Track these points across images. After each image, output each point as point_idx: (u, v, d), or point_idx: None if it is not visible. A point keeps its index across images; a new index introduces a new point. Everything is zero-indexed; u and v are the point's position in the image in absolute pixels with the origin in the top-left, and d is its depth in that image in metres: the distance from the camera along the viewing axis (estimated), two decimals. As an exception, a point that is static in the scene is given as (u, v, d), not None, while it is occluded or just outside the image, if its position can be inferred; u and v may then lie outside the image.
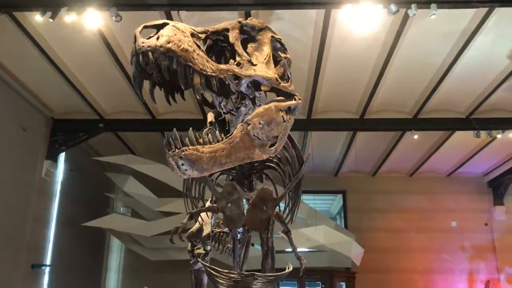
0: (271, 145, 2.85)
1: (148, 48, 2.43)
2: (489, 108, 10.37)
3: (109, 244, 14.34)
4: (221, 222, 6.44)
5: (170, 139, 2.54)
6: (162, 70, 2.46)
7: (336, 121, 10.97)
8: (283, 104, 2.89)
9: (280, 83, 2.91)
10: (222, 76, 2.67)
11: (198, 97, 2.66)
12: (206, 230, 4.85)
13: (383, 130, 11.53)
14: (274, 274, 4.29)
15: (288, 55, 3.10)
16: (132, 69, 2.53)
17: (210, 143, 2.60)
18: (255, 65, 2.85)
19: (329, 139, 12.39)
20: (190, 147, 2.53)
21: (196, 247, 4.89)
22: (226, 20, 3.07)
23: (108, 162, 12.25)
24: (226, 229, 6.11)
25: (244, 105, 3.09)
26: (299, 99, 3.02)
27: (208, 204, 5.39)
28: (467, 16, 7.43)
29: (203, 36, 2.76)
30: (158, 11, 7.32)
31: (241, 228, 4.88)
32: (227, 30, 2.92)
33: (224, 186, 3.97)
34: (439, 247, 14.14)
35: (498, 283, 13.53)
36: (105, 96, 10.48)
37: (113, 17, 6.87)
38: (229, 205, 3.96)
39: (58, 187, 11.46)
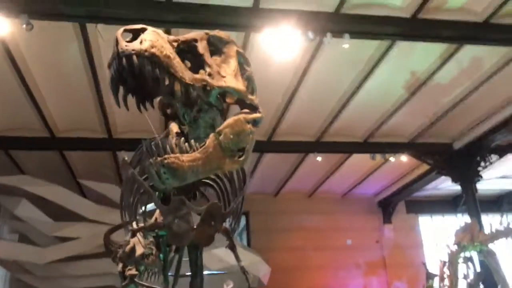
0: (239, 156, 2.86)
1: (133, 52, 2.35)
2: (384, 133, 11.28)
3: (-8, 274, 12.89)
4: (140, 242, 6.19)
5: (152, 146, 2.45)
6: (146, 75, 2.38)
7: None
8: (250, 116, 2.93)
9: (248, 96, 2.96)
10: (198, 85, 2.66)
11: (174, 106, 2.61)
12: (139, 249, 4.63)
13: (288, 152, 11.98)
14: (217, 293, 4.25)
15: (251, 69, 3.15)
16: (111, 73, 2.41)
17: (187, 152, 2.55)
18: (224, 76, 2.86)
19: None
20: (172, 155, 2.47)
21: (127, 268, 4.66)
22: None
23: (-4, 183, 11.10)
24: (145, 250, 5.89)
25: (201, 117, 3.07)
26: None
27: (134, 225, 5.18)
28: (372, 46, 8.09)
29: (175, 44, 2.72)
30: (73, 22, 6.97)
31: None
32: (195, 40, 2.90)
33: (171, 201, 3.86)
34: (336, 264, 14.84)
35: (389, 296, 14.56)
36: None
37: (24, 25, 6.38)
38: (176, 220, 3.85)
39: None
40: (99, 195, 11.96)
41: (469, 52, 8.35)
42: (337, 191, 15.51)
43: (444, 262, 7.34)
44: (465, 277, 7.29)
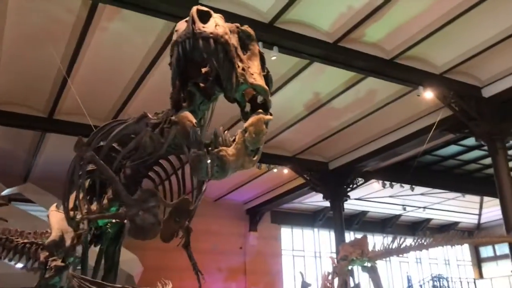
0: (253, 156, 2.82)
1: (211, 35, 2.20)
2: (274, 145, 11.74)
3: None
4: (24, 231, 5.61)
5: (213, 136, 2.30)
6: (218, 61, 2.24)
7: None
8: (266, 117, 2.90)
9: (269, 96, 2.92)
10: (241, 79, 2.57)
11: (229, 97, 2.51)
12: (69, 239, 4.20)
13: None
14: (161, 289, 4.12)
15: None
16: (178, 52, 2.23)
17: (228, 146, 2.44)
18: (253, 74, 2.80)
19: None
20: (222, 148, 2.34)
21: (52, 259, 4.18)
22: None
23: None
24: (38, 240, 5.39)
25: (201, 109, 3.01)
26: (271, 115, 3.09)
27: (53, 209, 4.72)
28: (290, 63, 8.42)
29: None
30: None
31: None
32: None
33: (140, 192, 3.57)
34: (202, 267, 14.83)
35: (246, 302, 15.08)
36: None
37: None
38: (141, 213, 3.59)
39: None
40: None
41: (368, 84, 9.21)
42: (211, 195, 15.64)
43: (329, 273, 7.90)
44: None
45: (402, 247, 7.10)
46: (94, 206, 4.19)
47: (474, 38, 8.15)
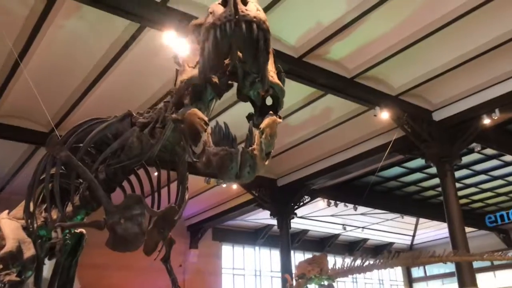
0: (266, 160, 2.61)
1: (254, 19, 1.97)
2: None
3: None
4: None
5: (248, 132, 2.03)
6: (258, 49, 2.01)
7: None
8: (278, 120, 2.70)
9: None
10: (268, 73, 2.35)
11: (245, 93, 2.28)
12: (29, 251, 3.71)
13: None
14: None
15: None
16: (216, 36, 1.97)
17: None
18: (269, 72, 2.59)
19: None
20: (254, 146, 2.09)
21: (5, 273, 3.66)
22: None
23: None
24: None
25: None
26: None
27: (4, 216, 4.22)
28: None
29: None
30: None
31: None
32: None
33: (125, 198, 3.19)
34: (137, 286, 14.18)
35: (185, 323, 14.44)
36: None
37: None
38: (123, 221, 3.21)
39: None
40: None
41: (326, 101, 9.24)
42: (151, 210, 15.00)
43: (285, 292, 7.69)
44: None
45: (365, 265, 7.07)
46: (54, 214, 3.77)
47: (429, 63, 8.44)
